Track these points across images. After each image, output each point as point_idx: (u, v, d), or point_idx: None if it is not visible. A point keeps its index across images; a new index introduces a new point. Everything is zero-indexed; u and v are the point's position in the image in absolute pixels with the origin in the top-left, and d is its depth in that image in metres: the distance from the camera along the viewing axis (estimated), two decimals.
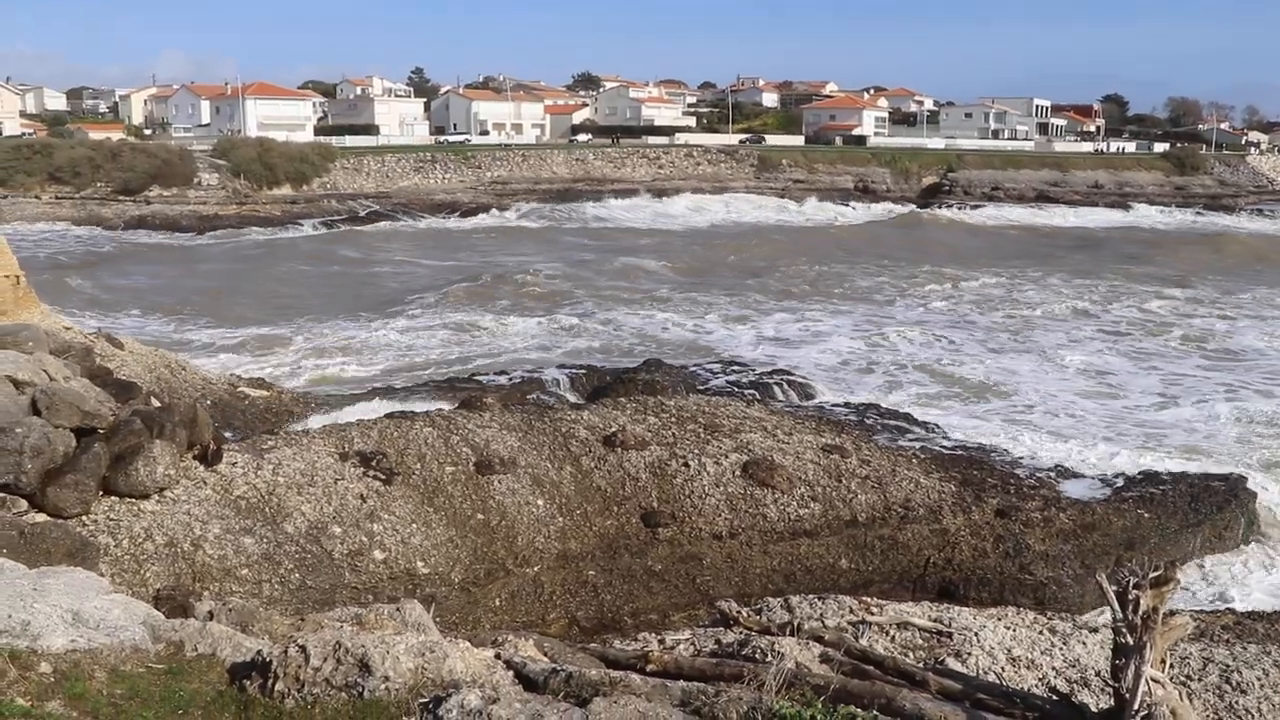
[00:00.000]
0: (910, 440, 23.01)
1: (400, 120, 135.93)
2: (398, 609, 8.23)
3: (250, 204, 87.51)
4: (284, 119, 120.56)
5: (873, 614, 11.24)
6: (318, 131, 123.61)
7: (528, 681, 6.87)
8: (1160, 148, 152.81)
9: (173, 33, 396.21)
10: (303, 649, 6.25)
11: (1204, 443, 27.32)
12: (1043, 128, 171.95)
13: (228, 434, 20.31)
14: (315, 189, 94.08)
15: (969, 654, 10.21)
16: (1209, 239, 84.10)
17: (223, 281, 54.21)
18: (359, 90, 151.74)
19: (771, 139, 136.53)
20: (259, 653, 6.47)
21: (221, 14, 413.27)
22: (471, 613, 15.23)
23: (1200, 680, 10.40)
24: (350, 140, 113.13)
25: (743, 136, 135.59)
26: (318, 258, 64.95)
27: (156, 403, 18.32)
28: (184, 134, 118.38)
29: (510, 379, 29.84)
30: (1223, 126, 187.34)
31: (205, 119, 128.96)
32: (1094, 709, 7.36)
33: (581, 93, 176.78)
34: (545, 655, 8.35)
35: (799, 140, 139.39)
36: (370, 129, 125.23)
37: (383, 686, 6.11)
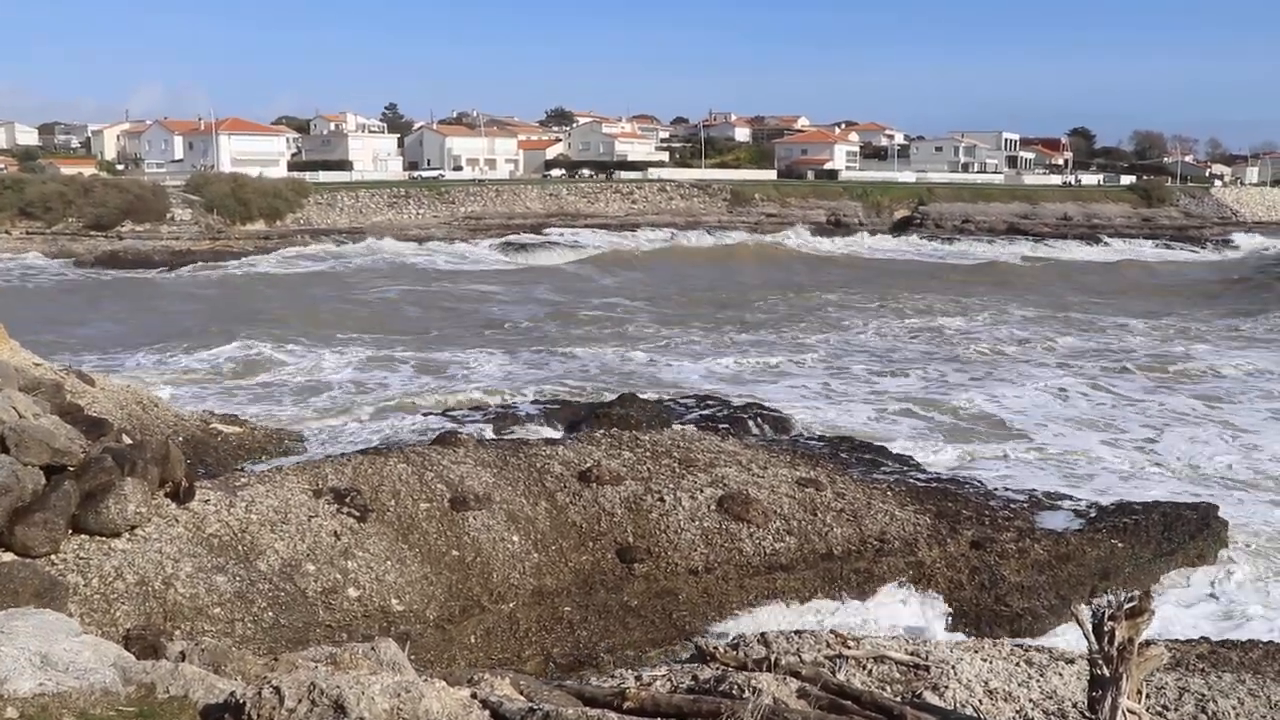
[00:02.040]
0: (885, 473, 23.09)
1: (374, 156, 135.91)
2: (372, 648, 8.17)
3: (224, 239, 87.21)
4: (258, 154, 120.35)
5: (849, 648, 11.24)
6: (291, 167, 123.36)
7: None
8: (1127, 180, 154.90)
9: (147, 68, 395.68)
10: (277, 690, 6.20)
11: None
12: (1012, 161, 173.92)
13: (200, 471, 20.17)
14: (289, 224, 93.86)
15: (946, 687, 10.22)
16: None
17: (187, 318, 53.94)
18: (333, 126, 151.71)
19: (744, 174, 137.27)
20: (232, 694, 6.40)
21: (196, 50, 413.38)
22: (447, 650, 15.11)
23: (1176, 710, 10.46)
24: (324, 176, 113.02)
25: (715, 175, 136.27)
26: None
27: (128, 440, 18.18)
28: (157, 169, 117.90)
29: (485, 414, 29.77)
30: (1187, 159, 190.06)
31: (179, 154, 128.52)
32: None
33: (555, 128, 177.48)
34: (521, 694, 8.29)
35: (771, 174, 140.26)
36: (344, 164, 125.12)
37: None
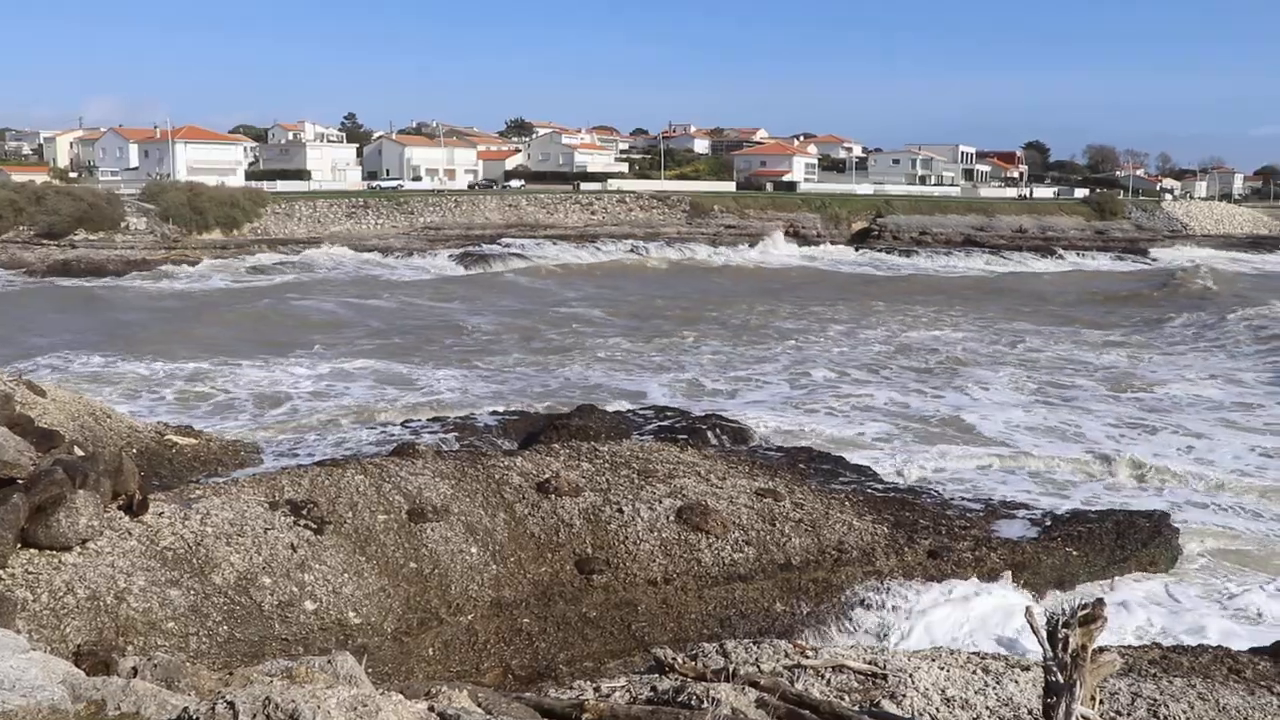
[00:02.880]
0: (842, 483, 23.21)
1: (332, 165, 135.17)
2: (329, 661, 8.09)
3: (179, 249, 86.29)
4: (214, 163, 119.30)
5: (808, 657, 11.27)
6: (249, 176, 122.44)
7: None
8: (1081, 194, 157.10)
9: (101, 75, 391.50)
10: (231, 705, 6.12)
11: None
12: (968, 174, 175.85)
13: (155, 483, 19.92)
14: (246, 234, 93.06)
15: (904, 695, 10.26)
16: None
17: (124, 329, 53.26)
18: (291, 135, 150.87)
19: (703, 185, 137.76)
20: (185, 710, 6.31)
21: (151, 57, 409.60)
22: (405, 663, 15.01)
23: (1129, 715, 10.58)
24: (282, 185, 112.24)
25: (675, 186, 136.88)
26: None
27: (80, 451, 17.92)
28: (111, 177, 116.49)
29: (443, 425, 29.64)
30: (1139, 173, 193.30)
31: (133, 162, 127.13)
32: None
33: (514, 138, 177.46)
34: (480, 706, 8.25)
35: (730, 186, 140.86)
36: (302, 174, 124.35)
37: None
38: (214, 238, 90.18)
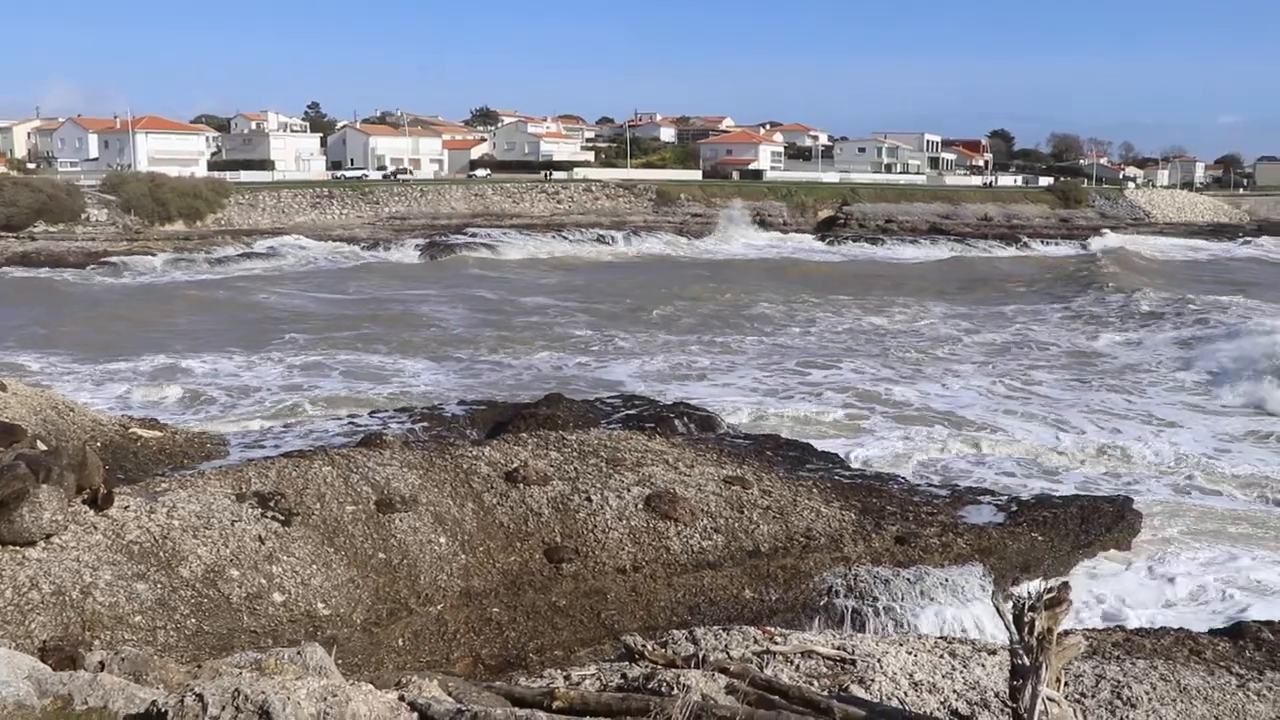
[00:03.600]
0: (810, 470, 23.32)
1: (296, 155, 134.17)
2: (298, 652, 8.09)
3: (142, 240, 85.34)
4: (176, 153, 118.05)
5: (777, 643, 11.35)
6: (211, 166, 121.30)
7: None
8: (1045, 181, 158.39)
9: (59, 64, 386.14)
10: (200, 698, 6.11)
11: None
12: (934, 162, 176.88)
13: (120, 477, 19.75)
14: (210, 225, 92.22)
15: (873, 680, 10.36)
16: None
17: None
18: (254, 125, 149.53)
19: (669, 174, 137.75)
20: (153, 703, 6.30)
21: (111, 46, 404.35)
22: (374, 654, 14.98)
23: (1094, 697, 10.73)
24: (245, 175, 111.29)
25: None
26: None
27: (43, 446, 17.74)
28: (70, 168, 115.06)
29: (411, 415, 29.54)
30: (1102, 162, 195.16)
31: (93, 153, 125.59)
32: None
33: (480, 128, 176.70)
34: (450, 695, 8.26)
35: (696, 175, 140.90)
36: (266, 164, 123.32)
37: None
38: (177, 229, 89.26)
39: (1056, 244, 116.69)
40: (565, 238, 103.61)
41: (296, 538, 16.02)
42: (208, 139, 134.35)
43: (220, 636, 13.74)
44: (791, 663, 10.84)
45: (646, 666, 10.05)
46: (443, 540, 17.17)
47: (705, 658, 10.21)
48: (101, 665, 7.63)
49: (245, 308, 58.97)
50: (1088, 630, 14.96)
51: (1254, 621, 15.95)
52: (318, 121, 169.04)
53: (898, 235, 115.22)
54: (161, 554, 14.65)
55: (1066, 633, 8.01)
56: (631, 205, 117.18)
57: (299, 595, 15.11)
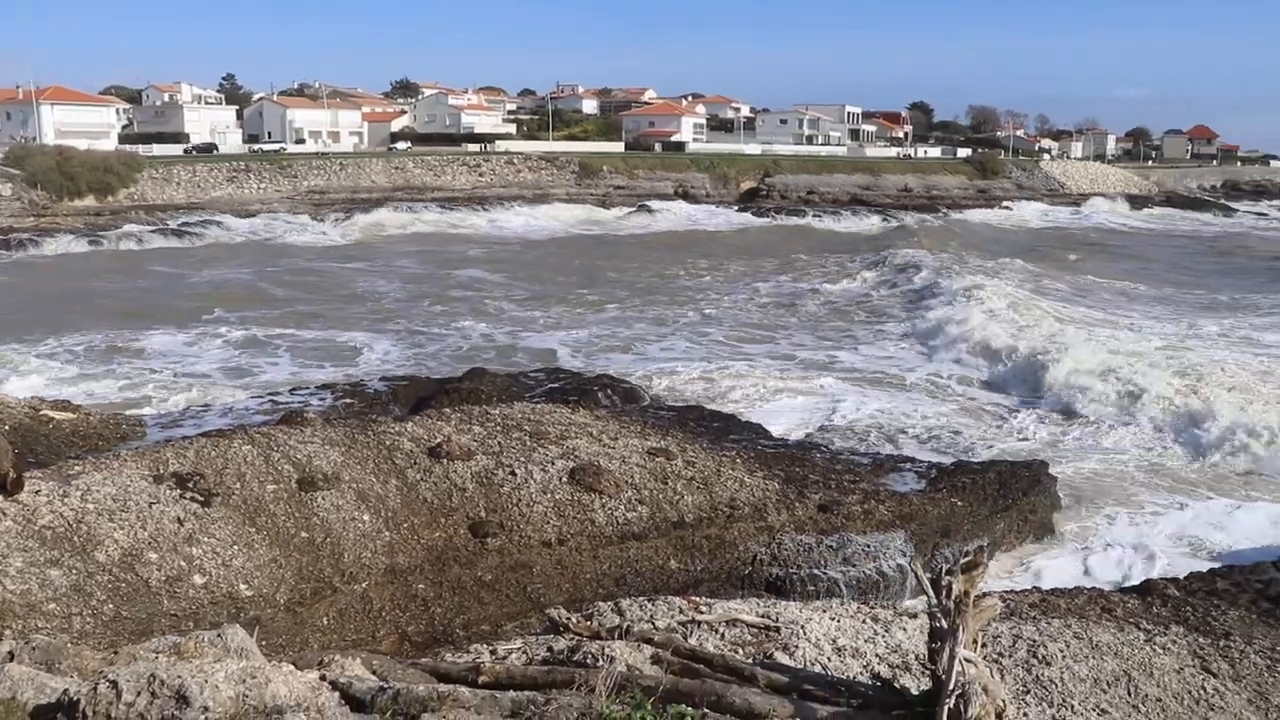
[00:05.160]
0: (733, 440, 23.51)
1: (211, 128, 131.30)
2: (219, 635, 7.97)
3: (50, 216, 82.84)
4: (85, 126, 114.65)
5: (702, 613, 11.45)
6: (123, 140, 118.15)
7: (355, 702, 6.77)
8: (964, 153, 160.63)
9: None
10: (114, 684, 6.00)
11: None
12: (854, 134, 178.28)
13: (30, 460, 19.27)
14: (122, 200, 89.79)
15: (797, 647, 10.49)
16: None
17: None
18: (166, 97, 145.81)
19: (591, 146, 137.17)
20: (65, 692, 6.17)
21: (12, 11, 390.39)
22: (299, 634, 14.84)
23: (1010, 656, 11.00)
24: (158, 149, 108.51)
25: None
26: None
27: None
28: None
29: (333, 391, 29.21)
30: (1019, 134, 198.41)
31: None
32: (915, 691, 7.66)
33: (400, 100, 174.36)
34: (374, 673, 8.22)
35: (619, 147, 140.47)
36: (180, 137, 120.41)
37: (201, 717, 5.92)
38: (87, 204, 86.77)
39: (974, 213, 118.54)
40: (488, 211, 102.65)
41: (217, 518, 15.80)
42: (118, 111, 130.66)
43: (139, 621, 13.52)
44: (717, 631, 10.95)
45: (572, 639, 10.09)
46: (366, 517, 17.04)
47: (630, 629, 10.26)
48: (10, 655, 7.45)
49: (164, 284, 57.67)
50: (1004, 592, 15.32)
51: (1161, 579, 16.53)
52: (233, 94, 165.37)
53: (819, 207, 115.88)
54: (76, 539, 14.36)
55: (983, 595, 8.18)
56: (554, 178, 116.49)
57: (220, 577, 14.91)
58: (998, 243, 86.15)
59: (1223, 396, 30.05)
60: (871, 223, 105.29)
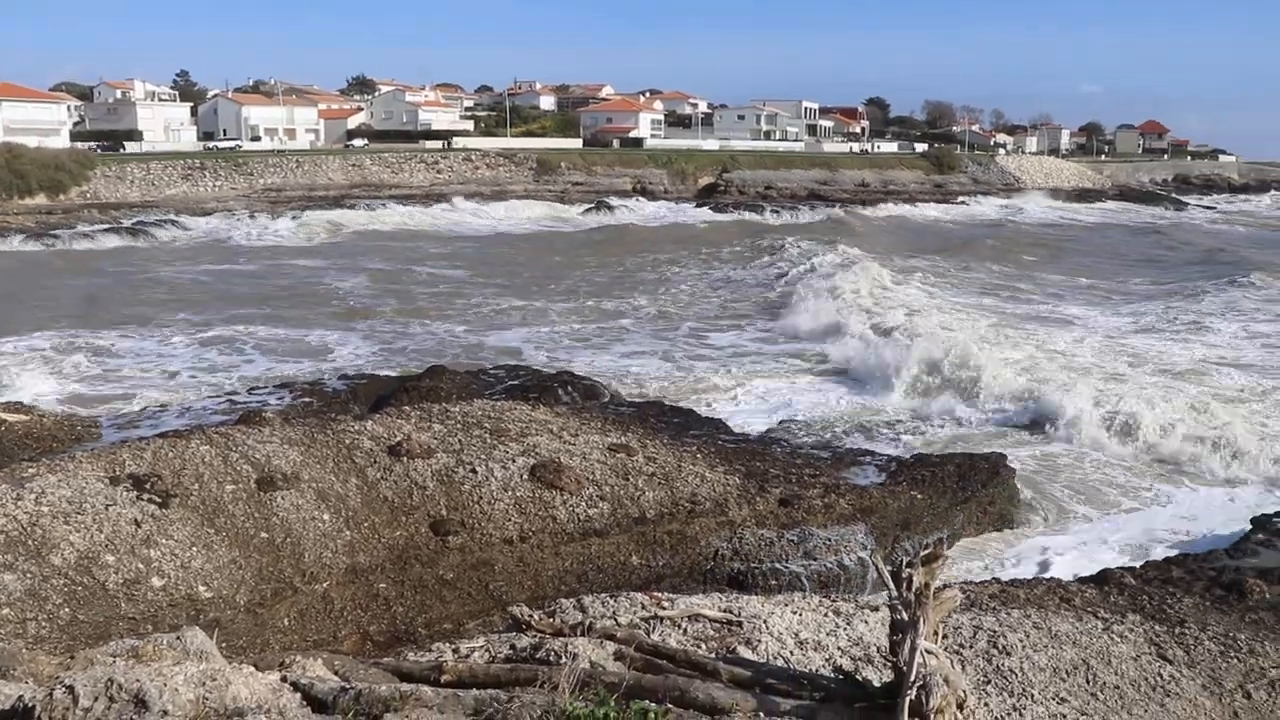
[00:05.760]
0: (694, 436, 23.55)
1: (165, 125, 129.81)
2: (178, 638, 7.90)
3: None
4: (34, 123, 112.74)
5: (664, 608, 11.46)
6: (75, 137, 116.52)
7: (316, 703, 6.73)
8: (920, 148, 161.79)
9: None
10: (70, 689, 5.93)
11: None
12: (812, 129, 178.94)
13: None
14: (74, 198, 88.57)
15: (759, 641, 10.52)
16: None
17: None
18: (119, 94, 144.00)
19: (549, 142, 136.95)
20: (20, 698, 6.09)
21: None
22: (260, 635, 14.73)
23: (971, 647, 11.09)
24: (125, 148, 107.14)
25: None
26: None
27: None
28: None
29: (291, 391, 28.98)
30: (974, 129, 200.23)
31: None
32: (877, 683, 7.72)
33: (356, 97, 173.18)
34: (336, 674, 8.18)
35: (577, 143, 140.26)
36: (133, 135, 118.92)
37: None
38: (38, 203, 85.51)
39: (932, 206, 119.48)
40: (447, 208, 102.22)
41: (175, 520, 15.63)
42: (69, 108, 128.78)
43: (97, 625, 13.36)
44: (679, 627, 10.96)
45: (535, 636, 10.07)
46: (326, 517, 16.93)
47: (593, 625, 10.26)
48: None
49: (134, 282, 56.94)
50: (965, 584, 15.47)
51: (1118, 568, 16.77)
52: (187, 90, 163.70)
53: (777, 202, 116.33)
54: (30, 542, 14.17)
55: (944, 586, 8.25)
56: (512, 175, 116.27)
57: (179, 579, 14.76)
58: (924, 235, 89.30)
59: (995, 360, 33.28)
60: (821, 216, 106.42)
